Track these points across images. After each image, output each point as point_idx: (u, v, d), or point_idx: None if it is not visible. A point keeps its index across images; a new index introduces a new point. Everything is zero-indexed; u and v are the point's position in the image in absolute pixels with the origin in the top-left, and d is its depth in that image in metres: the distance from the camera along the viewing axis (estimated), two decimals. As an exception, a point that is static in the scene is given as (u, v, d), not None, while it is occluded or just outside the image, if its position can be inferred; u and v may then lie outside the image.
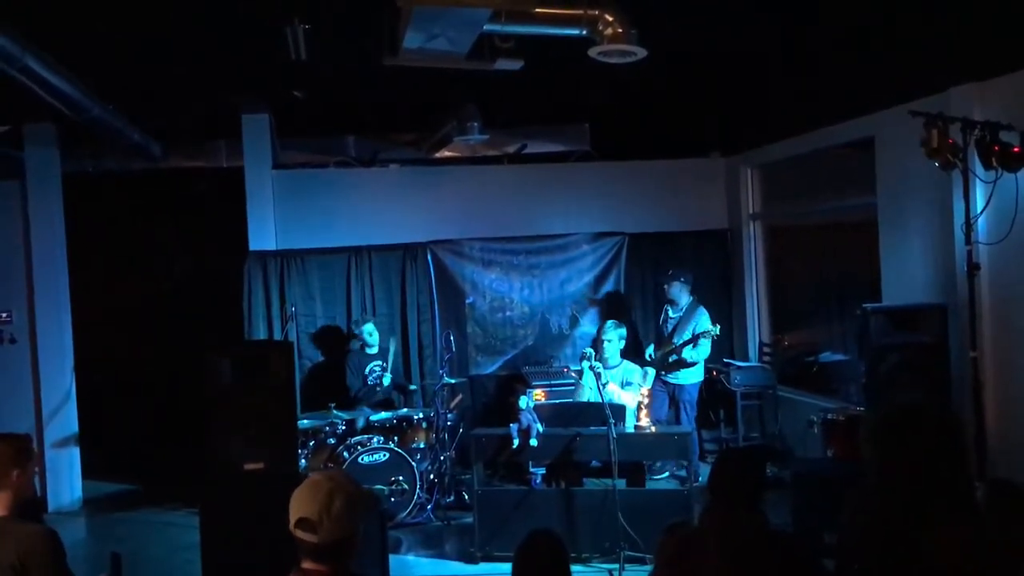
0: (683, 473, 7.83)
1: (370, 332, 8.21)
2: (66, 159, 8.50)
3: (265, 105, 8.59)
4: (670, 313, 8.45)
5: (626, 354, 7.62)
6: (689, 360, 8.07)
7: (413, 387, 8.53)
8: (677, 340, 8.14)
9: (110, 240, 10.88)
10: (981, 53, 5.88)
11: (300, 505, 2.39)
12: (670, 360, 8.15)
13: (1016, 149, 5.45)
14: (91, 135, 7.47)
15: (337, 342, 8.72)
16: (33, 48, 5.33)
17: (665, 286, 8.45)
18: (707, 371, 8.73)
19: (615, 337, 7.27)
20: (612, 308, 9.18)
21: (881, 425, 2.62)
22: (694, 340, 8.00)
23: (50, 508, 8.06)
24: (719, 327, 8.03)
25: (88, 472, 8.55)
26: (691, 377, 8.16)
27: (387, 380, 8.11)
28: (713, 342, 8.13)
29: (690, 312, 8.27)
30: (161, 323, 11.16)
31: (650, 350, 8.39)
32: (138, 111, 7.60)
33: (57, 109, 6.28)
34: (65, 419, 8.33)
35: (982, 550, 2.36)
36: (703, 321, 8.12)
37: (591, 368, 6.68)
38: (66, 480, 8.32)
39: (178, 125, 8.65)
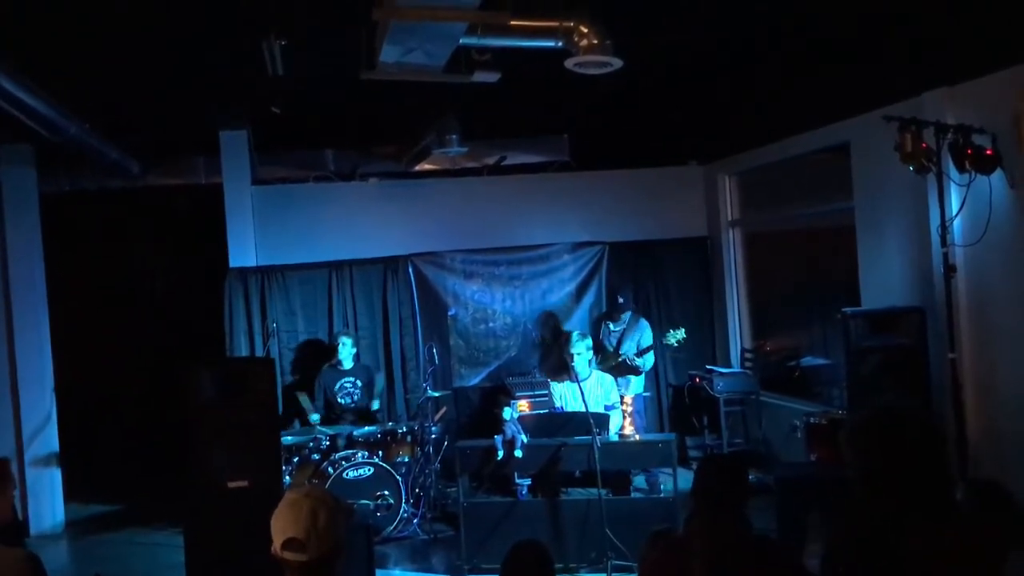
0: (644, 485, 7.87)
1: (343, 344, 8.18)
2: (43, 178, 8.44)
3: (243, 121, 8.58)
4: (611, 327, 8.42)
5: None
6: (643, 368, 8.11)
7: (376, 406, 8.46)
8: (625, 350, 8.13)
9: (89, 259, 10.83)
10: (952, 58, 5.96)
11: (285, 526, 2.38)
12: (617, 369, 8.13)
13: (989, 152, 5.51)
14: (68, 154, 7.43)
15: (319, 357, 8.69)
16: (8, 68, 5.30)
17: (620, 315, 8.42)
18: (690, 378, 8.77)
19: (583, 348, 7.04)
20: (587, 316, 9.24)
21: (861, 429, 2.64)
22: (642, 353, 8.06)
23: (32, 532, 7.97)
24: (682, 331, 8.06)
25: (70, 494, 8.47)
26: (639, 387, 8.22)
27: (375, 405, 8.17)
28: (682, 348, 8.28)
29: (632, 324, 8.30)
30: (142, 342, 11.12)
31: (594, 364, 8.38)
32: (115, 129, 7.57)
33: (33, 129, 6.25)
34: (46, 440, 8.24)
35: (962, 552, 2.38)
36: (647, 335, 8.20)
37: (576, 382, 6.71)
38: (48, 502, 8.24)
39: (156, 143, 8.62)
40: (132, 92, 6.97)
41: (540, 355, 9.04)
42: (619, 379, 7.69)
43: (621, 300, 8.43)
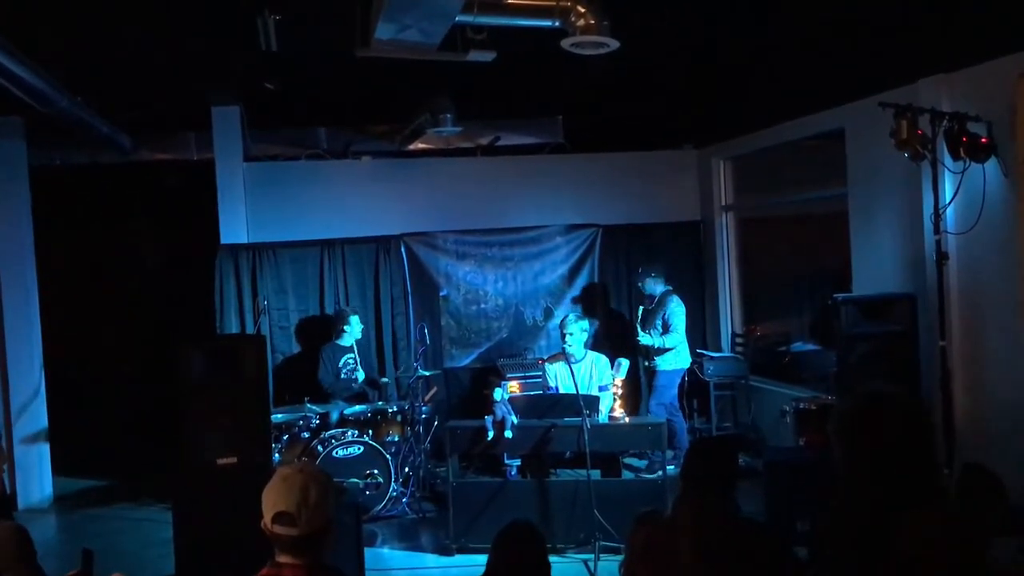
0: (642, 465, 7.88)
1: (353, 323, 8.21)
2: (34, 152, 8.37)
3: (236, 97, 8.52)
4: (647, 306, 8.44)
5: (597, 346, 7.60)
6: (655, 346, 8.04)
7: (385, 380, 8.48)
8: (648, 330, 8.14)
9: (79, 234, 10.77)
10: (949, 45, 5.94)
11: (277, 500, 2.38)
12: (646, 352, 8.13)
13: (984, 140, 5.52)
14: (59, 127, 7.37)
15: (310, 335, 8.68)
16: (-2, 39, 5.24)
17: (639, 284, 8.44)
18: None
19: (577, 330, 7.13)
20: (584, 300, 9.24)
21: (847, 415, 2.64)
22: (664, 327, 8.01)
23: (20, 506, 7.95)
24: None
25: (59, 468, 8.46)
26: (665, 364, 8.14)
27: (360, 376, 8.12)
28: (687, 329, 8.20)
29: (660, 302, 8.26)
30: (132, 317, 11.08)
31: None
32: (107, 103, 7.51)
33: (24, 101, 6.19)
34: (35, 415, 8.22)
35: (949, 537, 2.39)
36: (671, 309, 8.11)
37: (568, 363, 6.73)
38: (36, 477, 8.22)
39: (148, 117, 8.55)
40: (124, 65, 6.90)
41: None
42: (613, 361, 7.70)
43: (639, 284, 8.38)
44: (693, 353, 8.81)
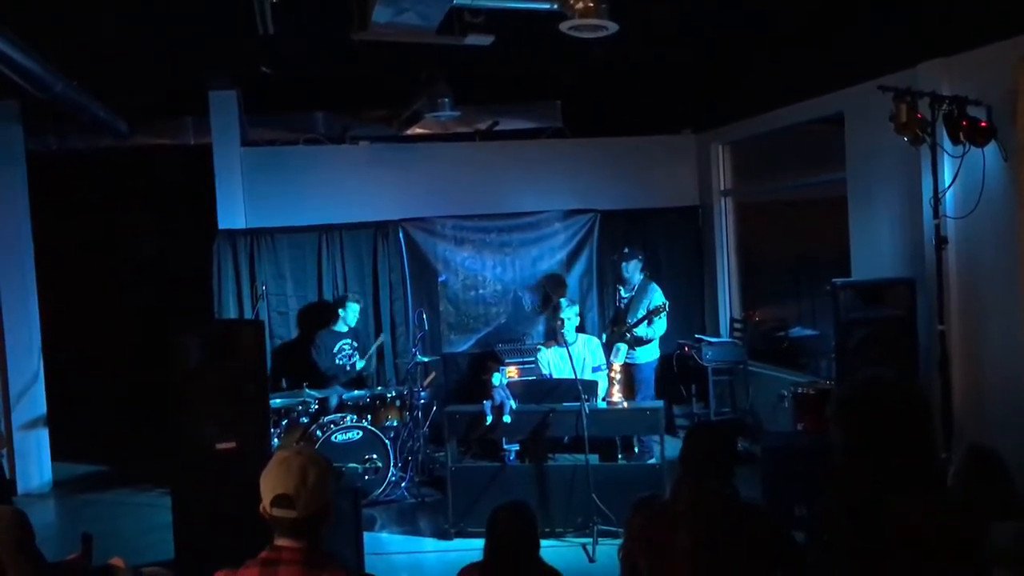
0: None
1: (352, 309, 8.19)
2: (30, 137, 8.35)
3: (233, 81, 8.48)
4: (622, 293, 8.31)
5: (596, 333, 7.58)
6: (645, 337, 7.94)
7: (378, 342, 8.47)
8: (630, 319, 8.05)
9: (76, 219, 10.75)
10: (949, 28, 5.92)
11: (275, 482, 2.37)
12: (625, 339, 8.07)
13: (983, 124, 5.49)
14: (55, 112, 7.34)
15: (308, 321, 8.68)
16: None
17: (623, 264, 8.28)
18: (679, 346, 8.77)
19: (572, 314, 7.15)
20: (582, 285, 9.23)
21: (846, 399, 2.64)
22: (648, 318, 7.84)
23: (19, 491, 7.97)
24: (667, 302, 7.88)
25: (58, 454, 8.46)
26: (646, 356, 7.99)
27: (360, 363, 8.12)
28: (669, 318, 8.08)
29: (642, 290, 8.11)
30: (130, 303, 11.08)
31: (603, 338, 8.27)
32: (103, 87, 7.47)
33: (20, 85, 6.16)
34: (33, 401, 8.23)
35: (943, 522, 2.39)
36: (656, 297, 7.97)
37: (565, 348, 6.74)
38: (35, 462, 8.23)
39: (144, 102, 8.52)
40: (121, 49, 6.87)
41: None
42: (610, 347, 7.69)
43: (623, 264, 8.20)
44: (691, 339, 8.82)
